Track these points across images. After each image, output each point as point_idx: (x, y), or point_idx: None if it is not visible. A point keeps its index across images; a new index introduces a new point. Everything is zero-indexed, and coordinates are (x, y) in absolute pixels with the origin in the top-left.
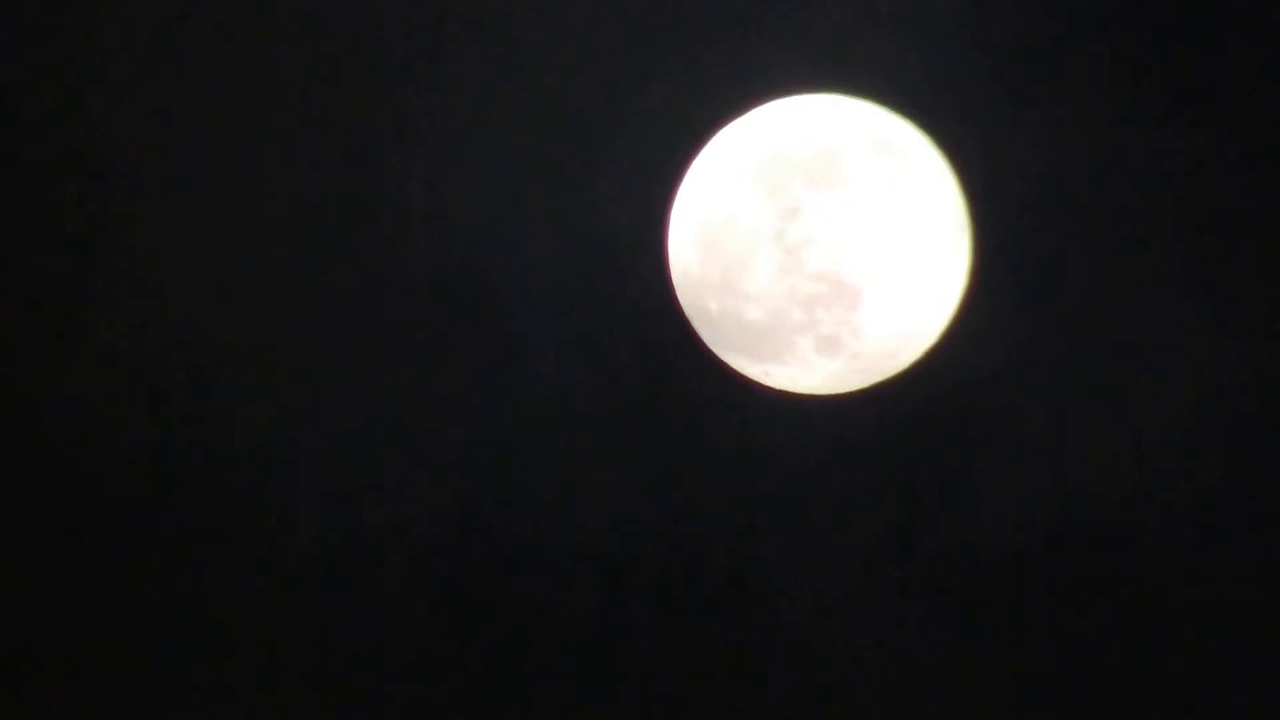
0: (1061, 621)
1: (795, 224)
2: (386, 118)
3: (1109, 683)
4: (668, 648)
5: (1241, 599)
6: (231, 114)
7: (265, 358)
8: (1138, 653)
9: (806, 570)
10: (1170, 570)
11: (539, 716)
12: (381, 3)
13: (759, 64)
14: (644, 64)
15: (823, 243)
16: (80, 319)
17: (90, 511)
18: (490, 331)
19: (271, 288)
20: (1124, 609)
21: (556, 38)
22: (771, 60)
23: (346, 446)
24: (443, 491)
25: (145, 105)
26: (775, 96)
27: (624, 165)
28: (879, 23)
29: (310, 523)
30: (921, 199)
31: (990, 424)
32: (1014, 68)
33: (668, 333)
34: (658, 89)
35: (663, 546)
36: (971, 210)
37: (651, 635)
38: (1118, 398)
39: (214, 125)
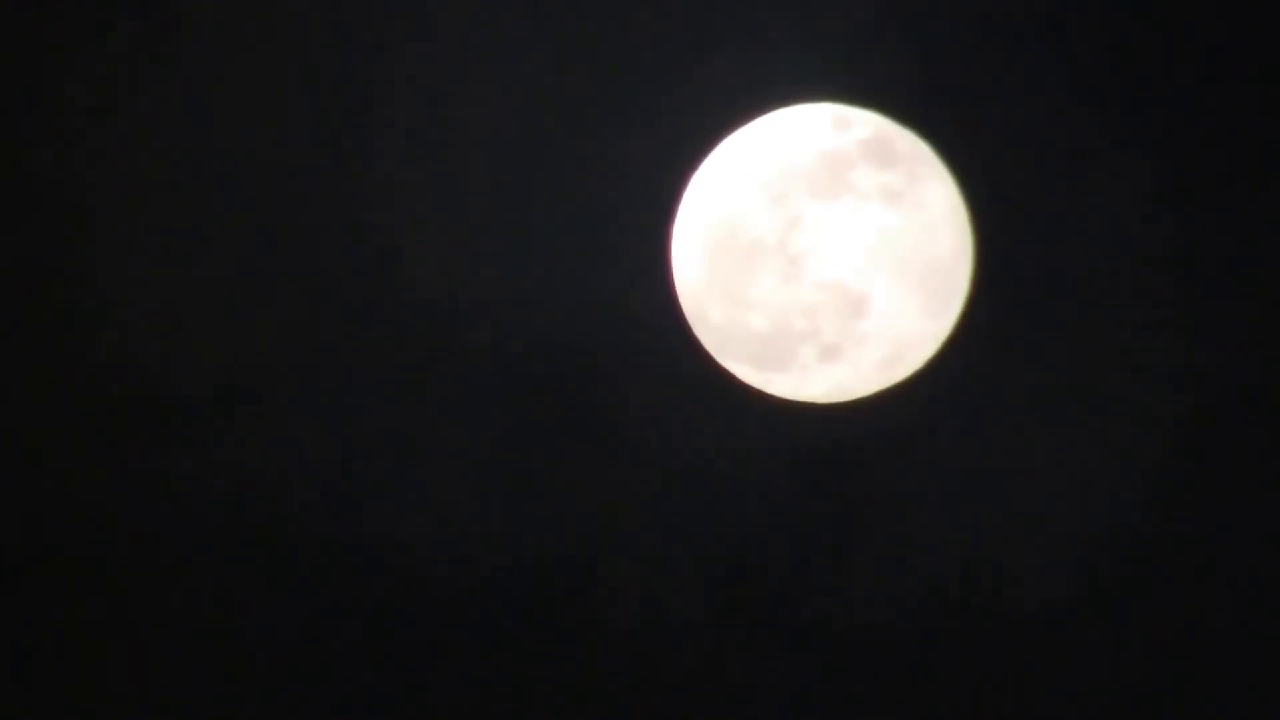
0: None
1: (798, 233)
2: (376, 125)
3: None
4: (667, 656)
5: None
6: (187, 141)
7: (226, 382)
8: None
9: (810, 579)
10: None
11: None
12: (371, 3)
13: (762, 73)
14: (646, 72)
15: (826, 251)
16: (34, 345)
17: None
18: (490, 340)
19: (236, 311)
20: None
21: (558, 46)
22: (774, 69)
23: (336, 462)
24: (438, 508)
25: (97, 134)
26: (778, 106)
27: (626, 174)
28: (883, 31)
29: (296, 553)
30: (925, 208)
31: (989, 435)
32: (1019, 78)
33: (670, 341)
34: (659, 98)
35: (664, 554)
36: (975, 219)
37: (654, 646)
38: (1115, 411)
39: (168, 152)
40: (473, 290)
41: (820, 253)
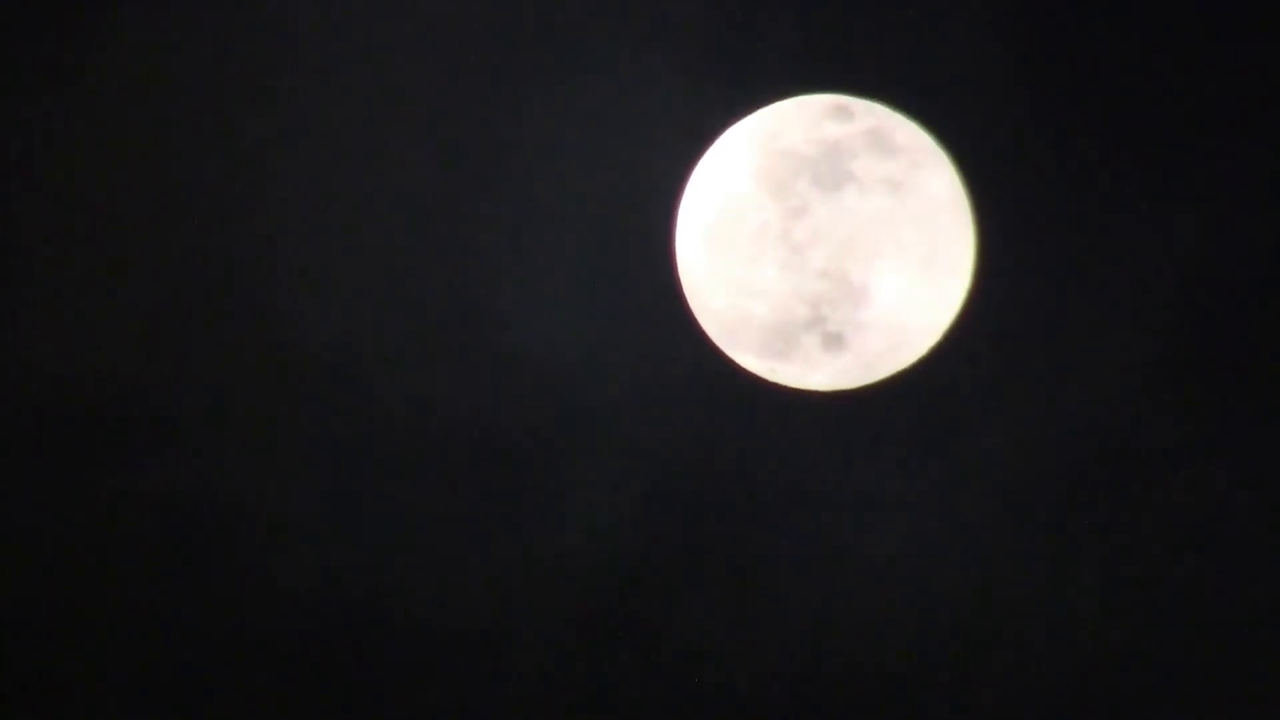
0: None
1: (801, 223)
2: (383, 121)
3: None
4: (678, 649)
5: None
6: (110, 173)
7: (150, 411)
8: None
9: (812, 569)
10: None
11: None
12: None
13: (765, 64)
14: (651, 65)
15: (828, 241)
16: None
17: None
18: (498, 334)
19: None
20: None
21: (563, 39)
22: (777, 61)
23: (316, 490)
24: (447, 502)
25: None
26: (781, 97)
27: (631, 165)
28: (884, 24)
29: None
30: (926, 198)
31: (989, 422)
32: (1019, 69)
33: (675, 331)
34: (664, 90)
35: (669, 543)
36: (976, 208)
37: (666, 640)
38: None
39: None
40: (473, 288)
41: (823, 242)
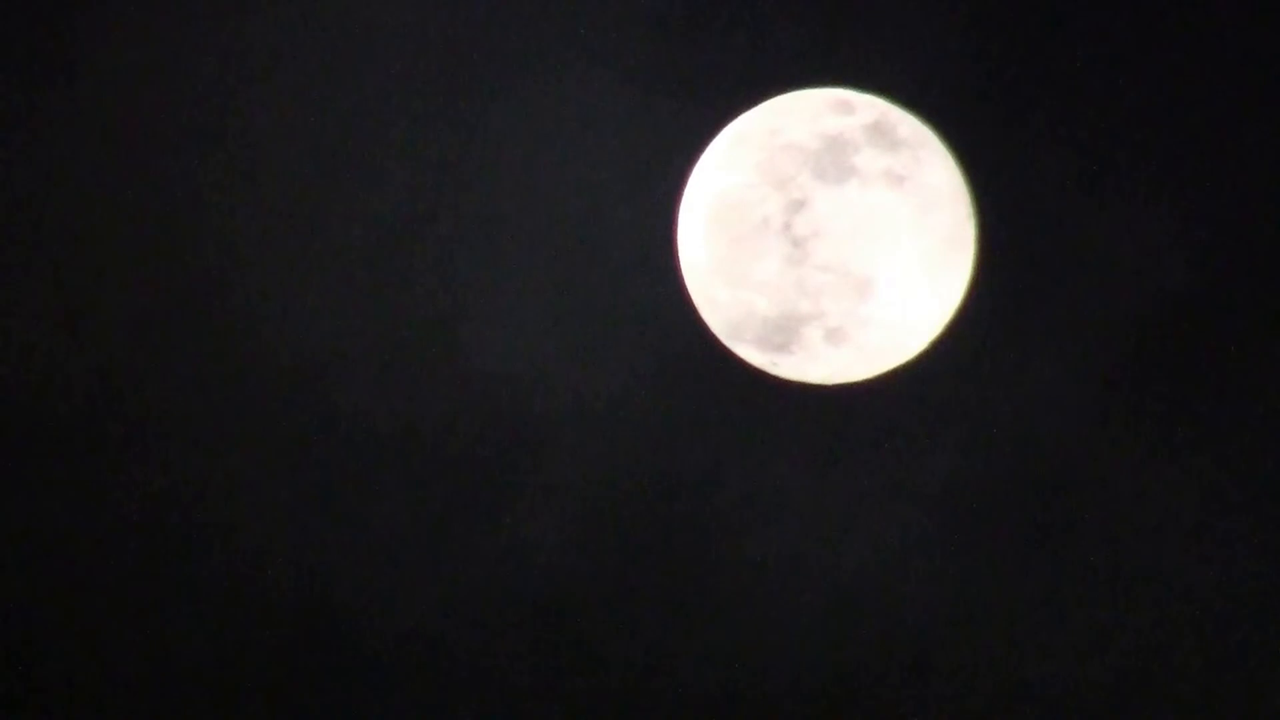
0: None
1: (803, 216)
2: (384, 129)
3: None
4: (672, 631)
5: None
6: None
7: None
8: None
9: (810, 565)
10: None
11: None
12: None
13: (768, 57)
14: (654, 58)
15: (830, 234)
16: None
17: None
18: (497, 331)
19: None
20: None
21: (564, 33)
22: (780, 54)
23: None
24: (451, 490)
25: None
26: (783, 90)
27: (634, 158)
28: (886, 18)
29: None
30: (928, 192)
31: (990, 415)
32: (1021, 63)
33: (677, 323)
34: (666, 83)
35: (668, 535)
36: (977, 203)
37: (663, 625)
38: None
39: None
40: (471, 286)
41: (824, 236)
